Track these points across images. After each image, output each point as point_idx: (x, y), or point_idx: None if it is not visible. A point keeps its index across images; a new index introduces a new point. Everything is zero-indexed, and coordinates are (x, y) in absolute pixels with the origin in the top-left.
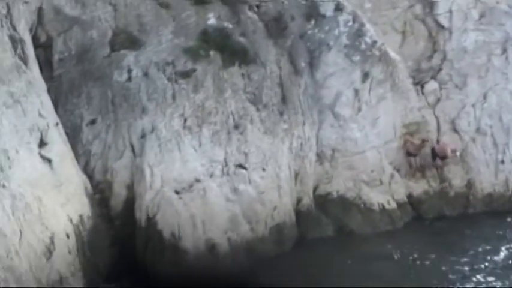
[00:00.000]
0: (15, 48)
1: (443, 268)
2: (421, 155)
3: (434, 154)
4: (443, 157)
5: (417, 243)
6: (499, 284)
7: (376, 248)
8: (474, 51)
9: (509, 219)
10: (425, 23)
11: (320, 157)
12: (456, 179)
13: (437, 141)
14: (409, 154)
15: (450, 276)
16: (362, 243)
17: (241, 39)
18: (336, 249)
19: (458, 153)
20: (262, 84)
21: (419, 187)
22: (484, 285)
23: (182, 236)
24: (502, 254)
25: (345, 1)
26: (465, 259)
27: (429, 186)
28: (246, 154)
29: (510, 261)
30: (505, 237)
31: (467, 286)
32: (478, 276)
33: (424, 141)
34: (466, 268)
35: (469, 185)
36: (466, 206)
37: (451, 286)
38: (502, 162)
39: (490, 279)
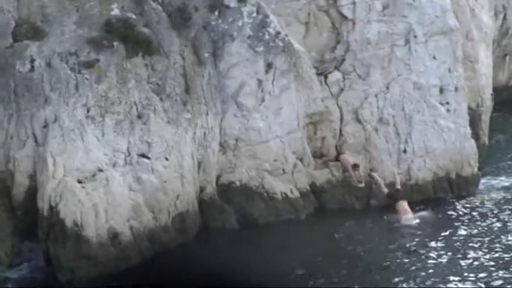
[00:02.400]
0: None
1: (344, 260)
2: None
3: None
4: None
5: (320, 233)
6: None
7: (279, 238)
8: (377, 42)
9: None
10: (328, 14)
11: (223, 147)
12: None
13: (338, 155)
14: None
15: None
16: (264, 233)
17: (145, 30)
18: (239, 238)
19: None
20: (165, 75)
21: (322, 176)
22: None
23: (84, 225)
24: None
25: None
26: (362, 250)
27: (332, 175)
28: (149, 144)
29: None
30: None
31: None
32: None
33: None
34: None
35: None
36: (369, 196)
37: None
38: (404, 151)
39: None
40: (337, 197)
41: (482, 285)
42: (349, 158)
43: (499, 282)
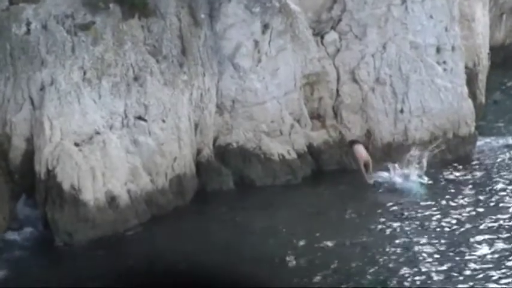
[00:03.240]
0: None
1: (346, 220)
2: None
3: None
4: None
5: (319, 194)
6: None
7: (278, 198)
8: (374, 2)
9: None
10: None
11: (220, 108)
12: (355, 128)
13: (352, 142)
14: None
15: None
16: (262, 194)
17: None
18: (237, 200)
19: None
20: (162, 37)
21: (319, 137)
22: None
23: (82, 188)
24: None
25: None
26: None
27: (329, 136)
28: (145, 106)
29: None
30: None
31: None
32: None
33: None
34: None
35: (368, 134)
36: None
37: None
38: (401, 111)
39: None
40: (335, 158)
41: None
42: (362, 152)
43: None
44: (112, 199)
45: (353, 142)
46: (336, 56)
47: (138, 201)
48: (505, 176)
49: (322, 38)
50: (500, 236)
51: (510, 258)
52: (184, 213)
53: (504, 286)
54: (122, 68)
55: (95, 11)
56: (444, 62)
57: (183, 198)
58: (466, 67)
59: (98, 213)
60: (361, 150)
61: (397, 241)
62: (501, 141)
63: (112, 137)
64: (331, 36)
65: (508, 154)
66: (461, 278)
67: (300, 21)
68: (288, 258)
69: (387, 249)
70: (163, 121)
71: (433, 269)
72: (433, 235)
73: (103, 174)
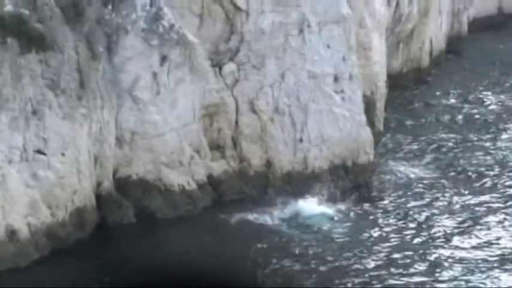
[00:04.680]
0: None
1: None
2: None
3: None
4: None
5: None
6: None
7: (177, 232)
8: (271, 33)
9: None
10: (222, 5)
11: (120, 140)
12: (255, 158)
13: None
14: None
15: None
16: (163, 228)
17: (38, 26)
18: (137, 234)
19: None
20: (60, 70)
21: (219, 167)
22: None
23: None
24: None
25: None
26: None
27: (229, 166)
28: (45, 140)
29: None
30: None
31: None
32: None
33: None
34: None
35: (268, 164)
36: (266, 185)
37: None
38: (301, 140)
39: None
40: (235, 188)
41: None
42: None
43: None
44: (12, 233)
45: None
46: (235, 86)
47: (38, 235)
48: (402, 203)
49: (220, 69)
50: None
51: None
52: (85, 246)
53: None
54: (20, 102)
55: None
56: (342, 91)
57: (83, 231)
58: (364, 95)
59: None
60: None
61: None
62: (402, 168)
63: (11, 171)
64: (230, 67)
65: (407, 180)
66: None
67: (198, 52)
68: None
69: None
70: (63, 154)
71: None
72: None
73: (2, 207)
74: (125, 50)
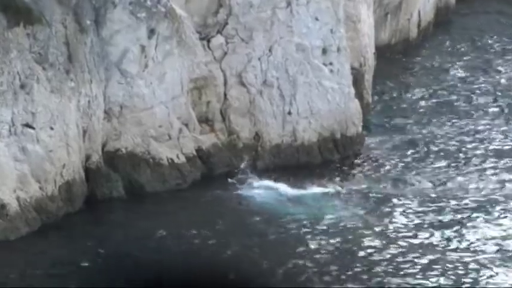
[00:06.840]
0: None
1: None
2: None
3: None
4: None
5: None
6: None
7: (166, 205)
8: (259, 5)
9: None
10: None
11: (108, 114)
12: (244, 131)
13: None
14: None
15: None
16: (152, 202)
17: None
18: (127, 207)
19: None
20: (48, 44)
21: (207, 140)
22: None
23: None
24: None
25: None
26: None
27: (218, 139)
28: (33, 114)
29: None
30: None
31: None
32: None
33: None
34: None
35: (257, 137)
36: (255, 158)
37: None
38: (289, 113)
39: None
40: (224, 161)
41: None
42: None
43: None
44: (1, 207)
45: None
46: (223, 59)
47: (27, 209)
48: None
49: (208, 42)
50: None
51: None
52: (75, 220)
53: None
54: (8, 76)
55: None
56: (330, 64)
57: (72, 205)
58: (352, 68)
59: None
60: None
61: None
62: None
63: (0, 145)
64: (218, 40)
65: (395, 152)
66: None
67: (186, 25)
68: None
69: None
70: (51, 128)
71: None
72: None
73: None
74: (113, 23)
